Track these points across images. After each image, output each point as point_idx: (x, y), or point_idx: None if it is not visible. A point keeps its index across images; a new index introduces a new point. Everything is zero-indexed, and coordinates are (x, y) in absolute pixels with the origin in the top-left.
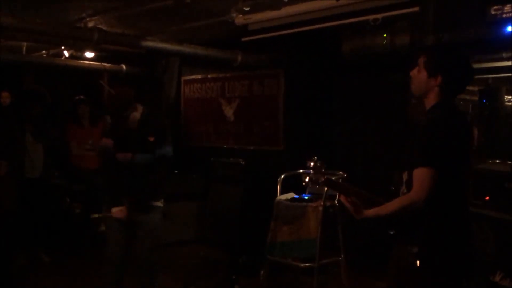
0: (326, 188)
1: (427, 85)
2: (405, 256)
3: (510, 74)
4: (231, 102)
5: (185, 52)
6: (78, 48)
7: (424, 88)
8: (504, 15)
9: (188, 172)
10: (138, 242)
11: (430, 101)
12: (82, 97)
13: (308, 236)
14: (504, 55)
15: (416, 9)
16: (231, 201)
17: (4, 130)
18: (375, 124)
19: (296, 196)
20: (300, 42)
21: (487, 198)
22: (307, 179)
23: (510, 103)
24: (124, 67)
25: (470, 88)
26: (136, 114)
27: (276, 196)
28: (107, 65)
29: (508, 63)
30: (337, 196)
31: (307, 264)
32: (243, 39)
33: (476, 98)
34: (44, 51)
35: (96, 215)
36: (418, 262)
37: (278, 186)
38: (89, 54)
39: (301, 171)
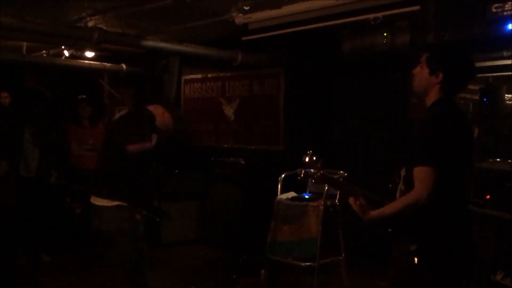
0: (326, 187)
1: (428, 82)
2: (404, 254)
3: (510, 73)
4: (231, 102)
5: (185, 51)
6: (78, 48)
7: (425, 85)
8: (504, 13)
9: (188, 171)
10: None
11: (431, 98)
12: (83, 96)
13: (308, 235)
14: (505, 53)
15: (416, 8)
16: (231, 201)
17: (4, 130)
18: (375, 123)
19: (297, 196)
20: (300, 41)
21: (488, 197)
22: (303, 174)
23: (511, 102)
24: (124, 66)
25: (471, 86)
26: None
27: (277, 195)
28: (107, 64)
29: (509, 62)
30: (338, 195)
31: (307, 264)
32: (243, 38)
33: (477, 97)
34: (44, 51)
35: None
36: (416, 259)
37: (279, 186)
38: (89, 54)
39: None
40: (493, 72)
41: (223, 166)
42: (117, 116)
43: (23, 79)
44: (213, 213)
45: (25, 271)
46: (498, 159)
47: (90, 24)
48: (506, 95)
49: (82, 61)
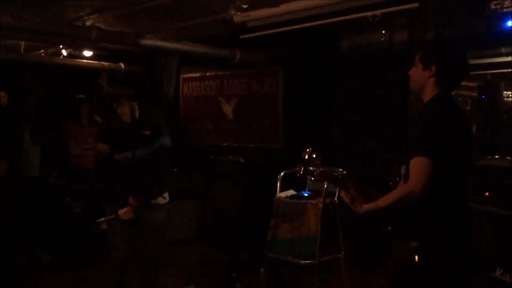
0: (325, 185)
1: (422, 77)
2: (404, 251)
3: (509, 70)
4: (230, 100)
5: (184, 50)
6: (76, 47)
7: (420, 81)
8: (504, 10)
9: (188, 170)
10: (142, 241)
11: (428, 95)
12: (82, 96)
13: (308, 233)
14: (503, 50)
15: (415, 5)
16: (231, 199)
17: (3, 129)
18: (374, 121)
19: (296, 194)
20: (299, 39)
21: (487, 194)
22: (301, 171)
23: (509, 99)
24: (122, 65)
25: (469, 84)
26: (125, 110)
27: (276, 193)
28: (105, 63)
29: (507, 59)
30: (337, 193)
31: (307, 262)
32: (242, 36)
33: (475, 94)
34: (42, 50)
35: (102, 219)
36: (416, 257)
37: (278, 184)
38: (88, 53)
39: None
40: (492, 69)
41: (222, 165)
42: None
43: (21, 79)
44: (213, 211)
45: (25, 270)
46: (496, 156)
47: (88, 23)
48: (505, 92)
49: (80, 60)
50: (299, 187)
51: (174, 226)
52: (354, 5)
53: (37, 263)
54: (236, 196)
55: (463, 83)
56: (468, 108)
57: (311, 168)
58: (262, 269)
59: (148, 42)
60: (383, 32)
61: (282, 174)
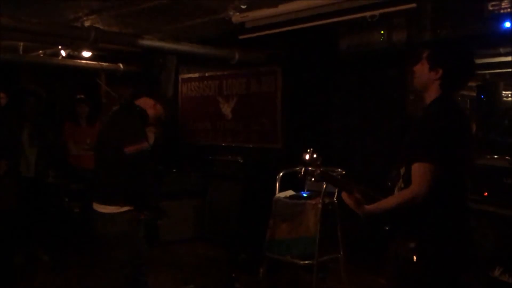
0: (324, 185)
1: (428, 78)
2: (403, 252)
3: (507, 70)
4: (228, 100)
5: (182, 50)
6: (75, 48)
7: (425, 81)
8: (501, 11)
9: (186, 170)
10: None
11: (430, 95)
12: (81, 96)
13: (307, 233)
14: (502, 50)
15: (413, 5)
16: (230, 199)
17: (2, 129)
18: (373, 121)
19: (295, 194)
20: (297, 39)
21: (486, 193)
22: (302, 172)
23: (508, 98)
24: (121, 66)
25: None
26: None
27: (275, 193)
28: (104, 64)
29: (506, 59)
30: (336, 193)
31: (306, 262)
32: (240, 36)
33: (474, 94)
34: (41, 51)
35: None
36: (415, 257)
37: (277, 184)
38: (86, 53)
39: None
40: (490, 69)
41: (221, 165)
42: (109, 114)
43: (20, 79)
44: (212, 211)
45: (24, 270)
46: (495, 156)
47: (87, 23)
48: (503, 92)
49: (79, 60)
50: (298, 187)
51: (172, 226)
52: (353, 5)
53: (36, 263)
54: (235, 195)
55: None
56: (467, 107)
57: (310, 168)
58: (261, 269)
59: (146, 42)
60: (382, 32)
61: (281, 174)
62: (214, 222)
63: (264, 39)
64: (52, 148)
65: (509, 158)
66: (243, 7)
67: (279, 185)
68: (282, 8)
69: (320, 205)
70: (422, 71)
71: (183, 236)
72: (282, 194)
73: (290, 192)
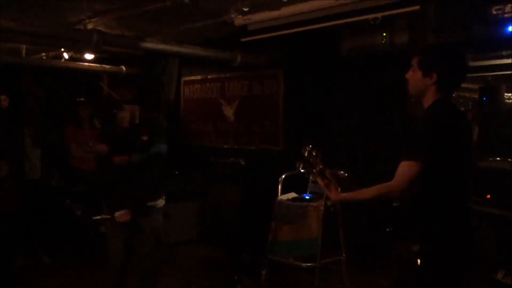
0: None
1: (424, 84)
2: (406, 255)
3: (510, 72)
4: (231, 102)
5: (185, 52)
6: (77, 50)
7: (421, 87)
8: (505, 15)
9: (188, 172)
10: (139, 244)
11: (429, 100)
12: (83, 99)
13: (309, 235)
14: (504, 53)
15: (416, 7)
16: (231, 201)
17: (4, 131)
18: (374, 123)
19: (297, 196)
20: (300, 41)
21: (488, 195)
22: (301, 168)
23: (510, 101)
24: (123, 68)
25: (470, 85)
26: (124, 115)
27: (277, 195)
28: (106, 66)
29: (508, 61)
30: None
31: (308, 264)
32: (243, 39)
33: (476, 96)
34: (43, 54)
35: (98, 217)
36: (419, 260)
37: (279, 186)
38: (89, 56)
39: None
40: (493, 71)
41: (223, 167)
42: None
43: (22, 82)
44: (213, 213)
45: (25, 272)
46: (498, 158)
47: (89, 26)
48: (506, 94)
49: (81, 63)
50: (300, 190)
51: (174, 227)
52: (355, 8)
53: (38, 265)
54: (236, 197)
55: (464, 85)
56: (469, 109)
57: (311, 159)
58: (263, 271)
59: (149, 45)
60: (384, 34)
61: (283, 176)
62: (215, 224)
63: (266, 42)
64: (54, 150)
65: (511, 160)
66: (245, 9)
67: (281, 187)
68: (284, 10)
69: (322, 208)
70: (415, 79)
71: (185, 237)
72: (284, 196)
73: (292, 194)
